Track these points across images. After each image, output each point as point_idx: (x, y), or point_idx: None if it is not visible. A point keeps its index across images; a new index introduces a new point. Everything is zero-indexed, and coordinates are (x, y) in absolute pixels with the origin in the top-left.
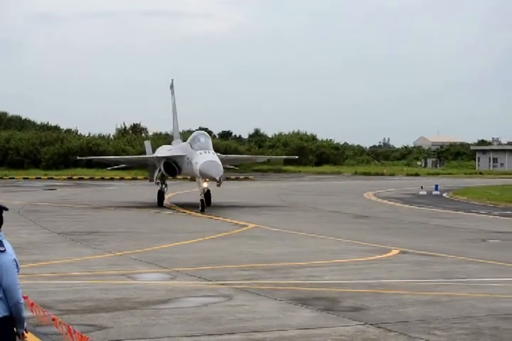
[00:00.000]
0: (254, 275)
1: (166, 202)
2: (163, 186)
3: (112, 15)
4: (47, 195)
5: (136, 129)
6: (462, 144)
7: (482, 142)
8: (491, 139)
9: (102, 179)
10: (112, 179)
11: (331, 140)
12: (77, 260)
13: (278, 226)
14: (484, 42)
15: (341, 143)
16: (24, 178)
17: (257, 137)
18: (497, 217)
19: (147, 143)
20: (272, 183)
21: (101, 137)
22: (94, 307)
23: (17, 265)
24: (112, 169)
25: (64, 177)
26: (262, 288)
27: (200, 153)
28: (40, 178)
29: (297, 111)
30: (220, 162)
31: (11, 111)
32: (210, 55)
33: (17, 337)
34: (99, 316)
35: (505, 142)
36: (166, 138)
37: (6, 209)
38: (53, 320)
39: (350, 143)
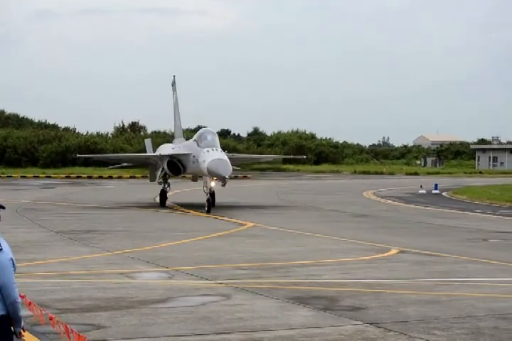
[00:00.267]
0: (252, 274)
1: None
2: (166, 186)
3: (108, 12)
4: (45, 194)
5: (135, 127)
6: (462, 143)
7: (482, 141)
8: (490, 138)
9: (101, 177)
10: (110, 177)
11: (330, 138)
12: (75, 259)
13: (277, 225)
14: (484, 40)
15: (340, 141)
16: (22, 177)
17: (256, 136)
18: (497, 216)
19: (148, 141)
20: (271, 182)
21: (99, 135)
22: (92, 306)
23: (13, 264)
24: (112, 168)
25: (62, 175)
26: (260, 287)
27: (208, 151)
28: (37, 177)
29: (296, 109)
30: (228, 160)
31: (9, 109)
32: (208, 53)
33: (14, 336)
34: (97, 315)
35: (505, 141)
36: (164, 137)
37: (3, 208)
38: (51, 319)
39: (349, 141)
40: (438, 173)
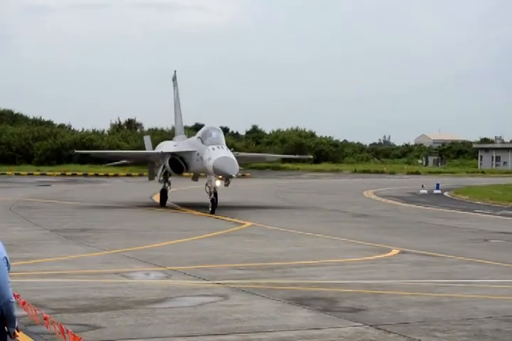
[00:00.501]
0: (251, 275)
1: (157, 199)
2: (167, 184)
3: (105, 7)
4: (39, 191)
5: (131, 125)
6: (464, 142)
7: (484, 140)
8: (493, 137)
9: (96, 175)
10: (106, 175)
11: (330, 137)
12: (70, 258)
13: (276, 225)
14: (487, 39)
15: (341, 140)
16: (16, 174)
17: (255, 133)
18: (499, 217)
19: (147, 138)
20: (270, 181)
21: (95, 132)
22: (88, 307)
23: (8, 263)
24: (112, 165)
25: (57, 173)
26: (258, 287)
27: (213, 149)
28: (32, 174)
29: (296, 107)
30: (234, 158)
31: (3, 105)
32: (205, 49)
33: (8, 337)
34: (93, 315)
35: (508, 140)
36: (161, 134)
37: None
38: (45, 319)
39: (349, 140)
40: (440, 173)
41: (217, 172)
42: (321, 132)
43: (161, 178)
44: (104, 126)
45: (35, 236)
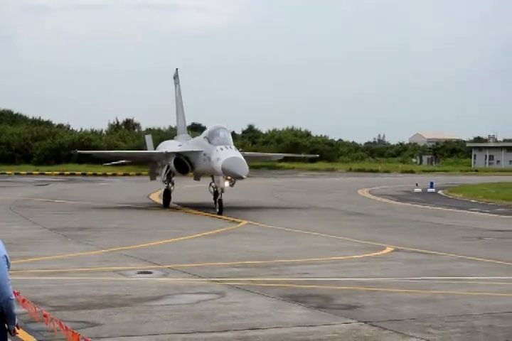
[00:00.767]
0: (247, 272)
1: (158, 199)
2: (170, 185)
3: (106, 7)
4: (38, 191)
5: (129, 125)
6: (458, 141)
7: (478, 139)
8: (487, 136)
9: (95, 175)
10: (104, 175)
11: (325, 136)
12: (69, 256)
13: (272, 223)
14: (481, 38)
15: (336, 139)
16: (16, 173)
17: (251, 133)
18: (493, 215)
19: (148, 138)
20: (266, 180)
21: (93, 132)
22: (87, 304)
23: (7, 261)
24: (111, 165)
25: (56, 172)
26: (255, 285)
27: (221, 149)
28: (31, 174)
29: (292, 107)
30: (243, 159)
31: (2, 106)
32: (203, 49)
33: (8, 334)
34: (92, 313)
35: (502, 139)
36: (159, 134)
37: None
38: (45, 316)
39: (344, 139)
40: (434, 171)
41: (226, 173)
42: (316, 131)
43: (165, 178)
44: (102, 126)
45: (34, 235)
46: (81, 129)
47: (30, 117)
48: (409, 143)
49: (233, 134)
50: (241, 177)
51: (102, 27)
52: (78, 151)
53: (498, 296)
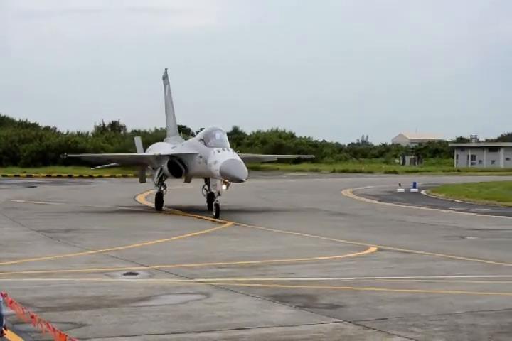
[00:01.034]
0: (232, 273)
1: (144, 201)
2: (163, 188)
3: (96, 11)
4: (26, 193)
5: (115, 127)
6: (440, 141)
7: (460, 139)
8: (469, 137)
9: (81, 177)
10: (90, 177)
11: (309, 137)
12: (56, 257)
13: (257, 224)
14: (465, 40)
15: (320, 140)
16: (3, 176)
17: (236, 134)
18: (475, 214)
19: (137, 139)
20: (250, 181)
21: (79, 134)
22: (73, 305)
23: None
24: (99, 168)
25: (43, 174)
26: (240, 285)
27: (218, 151)
28: (18, 176)
29: (276, 108)
30: (242, 161)
31: None
32: (187, 50)
33: None
34: (78, 314)
35: (484, 139)
36: (144, 136)
37: None
38: (32, 317)
39: (328, 140)
40: (417, 172)
41: (224, 176)
42: (300, 133)
43: (157, 181)
44: (88, 128)
45: (22, 237)
46: (67, 131)
47: (17, 120)
48: (392, 144)
49: None
50: (241, 181)
51: (98, 30)
52: (68, 155)
53: (480, 295)
